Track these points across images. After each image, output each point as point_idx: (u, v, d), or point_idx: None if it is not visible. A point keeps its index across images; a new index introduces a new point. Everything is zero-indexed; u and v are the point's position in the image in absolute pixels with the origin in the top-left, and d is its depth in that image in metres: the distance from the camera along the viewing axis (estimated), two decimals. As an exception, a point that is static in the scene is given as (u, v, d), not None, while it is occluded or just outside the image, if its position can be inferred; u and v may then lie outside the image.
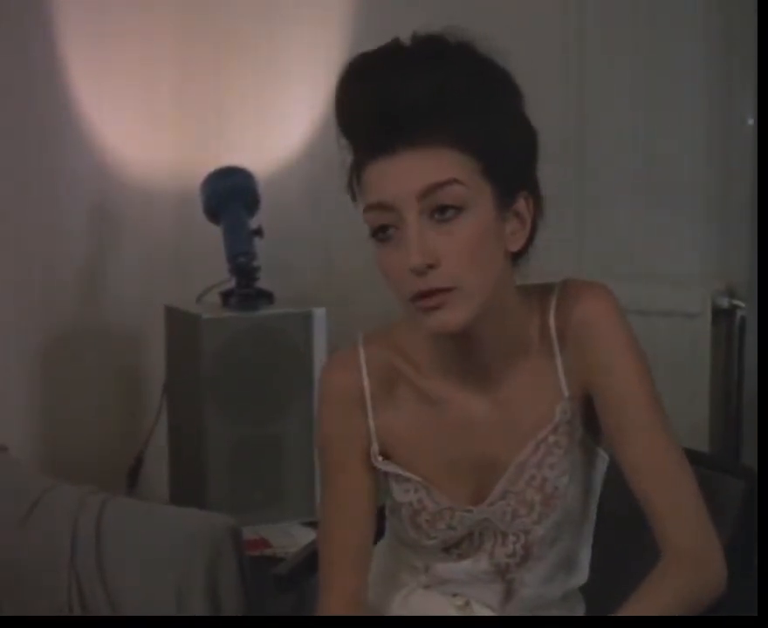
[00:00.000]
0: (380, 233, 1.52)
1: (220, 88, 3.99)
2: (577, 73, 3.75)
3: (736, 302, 3.58)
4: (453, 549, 1.70)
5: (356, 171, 1.55)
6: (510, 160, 1.52)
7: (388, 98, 1.47)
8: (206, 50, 3.96)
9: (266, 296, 3.69)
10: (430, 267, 1.49)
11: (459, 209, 1.49)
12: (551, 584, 1.72)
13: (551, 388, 1.63)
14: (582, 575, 1.75)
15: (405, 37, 1.52)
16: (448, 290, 1.50)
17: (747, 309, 3.51)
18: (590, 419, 1.65)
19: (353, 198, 1.57)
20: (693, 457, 1.79)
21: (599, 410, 1.63)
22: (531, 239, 1.59)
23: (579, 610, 1.78)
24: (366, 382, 1.67)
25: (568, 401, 1.63)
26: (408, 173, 1.48)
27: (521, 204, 1.55)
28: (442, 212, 1.49)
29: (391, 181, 1.49)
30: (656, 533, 1.60)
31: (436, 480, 1.67)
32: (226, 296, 3.68)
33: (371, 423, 1.68)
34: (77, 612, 2.42)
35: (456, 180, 1.48)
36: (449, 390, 1.65)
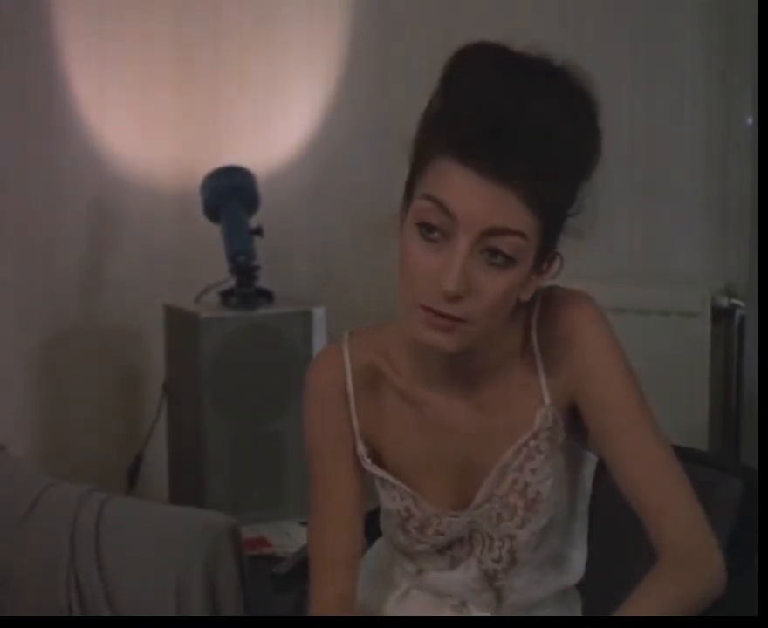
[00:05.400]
0: (425, 230, 1.48)
1: (219, 88, 3.99)
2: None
3: (735, 301, 3.58)
4: (446, 550, 1.70)
5: (435, 152, 1.47)
6: (561, 225, 1.52)
7: (510, 125, 1.42)
8: (205, 49, 3.96)
9: (266, 296, 3.70)
10: (457, 297, 1.47)
11: (510, 260, 1.47)
12: (540, 587, 1.71)
13: (532, 394, 1.63)
14: (575, 574, 1.75)
15: (538, 51, 1.48)
16: (458, 319, 1.49)
17: (746, 308, 3.51)
18: (575, 423, 1.65)
19: (412, 168, 1.51)
20: (692, 456, 1.79)
21: (585, 417, 1.62)
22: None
23: (576, 608, 1.78)
24: (349, 380, 1.67)
25: (549, 407, 1.62)
26: (486, 205, 1.44)
27: (546, 262, 1.55)
28: (493, 254, 1.46)
29: (466, 199, 1.44)
30: (652, 535, 1.59)
31: (421, 483, 1.67)
32: (226, 295, 3.68)
33: (355, 422, 1.68)
34: (76, 611, 2.42)
35: (523, 235, 1.46)
36: (430, 393, 1.65)
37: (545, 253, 1.53)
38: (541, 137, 1.43)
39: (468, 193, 1.44)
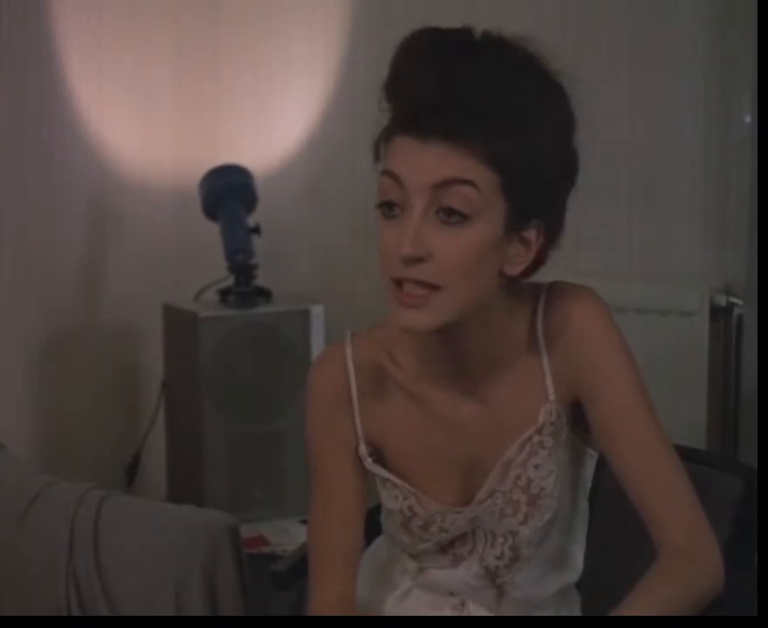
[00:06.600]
0: (386, 209, 1.52)
1: (218, 87, 3.99)
2: (575, 70, 3.75)
3: (733, 300, 3.58)
4: (448, 548, 1.70)
5: (388, 135, 1.53)
6: (533, 186, 1.51)
7: (440, 84, 1.47)
8: (204, 49, 3.96)
9: (264, 294, 3.70)
10: (420, 260, 1.49)
11: (465, 217, 1.48)
12: (542, 584, 1.71)
13: (537, 390, 1.63)
14: (575, 571, 1.75)
15: (480, 27, 1.53)
16: (428, 287, 1.50)
17: (745, 307, 3.51)
18: (578, 420, 1.65)
19: (377, 158, 1.55)
20: (692, 455, 1.80)
21: (588, 412, 1.62)
22: (535, 266, 1.58)
23: (575, 608, 1.78)
24: (352, 381, 1.67)
25: (553, 403, 1.63)
26: (430, 162, 1.47)
27: (531, 231, 1.54)
28: (448, 214, 1.49)
29: (412, 163, 1.48)
30: (651, 532, 1.59)
31: (425, 481, 1.67)
32: (224, 293, 3.69)
33: (358, 422, 1.68)
34: (75, 610, 2.42)
35: (472, 183, 1.47)
36: (434, 390, 1.65)
37: (522, 218, 1.52)
38: (478, 97, 1.46)
39: (413, 157, 1.48)
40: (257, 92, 4.02)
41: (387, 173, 1.51)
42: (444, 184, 1.48)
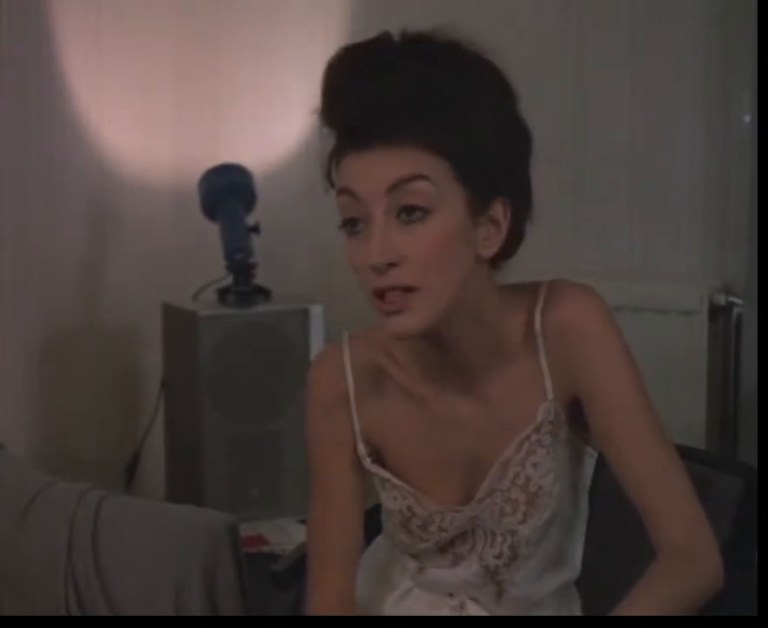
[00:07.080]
0: (350, 226, 1.53)
1: (218, 86, 3.99)
2: (575, 73, 3.75)
3: (732, 299, 3.59)
4: (448, 548, 1.70)
5: (335, 159, 1.55)
6: (487, 165, 1.51)
7: (368, 95, 1.48)
8: (204, 48, 3.96)
9: (263, 293, 3.70)
10: (392, 265, 1.49)
11: (426, 211, 1.49)
12: (541, 582, 1.71)
13: (535, 388, 1.63)
14: (574, 570, 1.74)
15: (395, 31, 1.54)
16: (408, 290, 1.50)
17: (744, 306, 3.51)
18: (576, 418, 1.65)
19: (331, 185, 1.57)
20: (692, 455, 1.79)
21: (587, 412, 1.62)
22: (511, 244, 1.58)
23: (575, 607, 1.78)
24: (350, 381, 1.68)
25: (552, 402, 1.62)
26: (379, 168, 1.49)
27: (498, 210, 1.54)
28: (408, 213, 1.49)
29: (362, 175, 1.50)
30: (651, 531, 1.59)
31: (424, 481, 1.66)
32: (223, 293, 3.69)
33: (356, 422, 1.68)
34: (74, 610, 2.42)
35: (423, 176, 1.48)
36: (432, 389, 1.64)
37: (484, 199, 1.52)
38: (406, 96, 1.47)
39: (361, 169, 1.50)
40: (256, 92, 4.02)
41: (343, 190, 1.52)
42: (397, 185, 1.48)
